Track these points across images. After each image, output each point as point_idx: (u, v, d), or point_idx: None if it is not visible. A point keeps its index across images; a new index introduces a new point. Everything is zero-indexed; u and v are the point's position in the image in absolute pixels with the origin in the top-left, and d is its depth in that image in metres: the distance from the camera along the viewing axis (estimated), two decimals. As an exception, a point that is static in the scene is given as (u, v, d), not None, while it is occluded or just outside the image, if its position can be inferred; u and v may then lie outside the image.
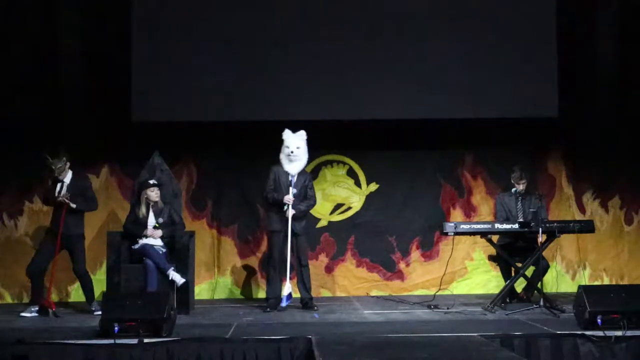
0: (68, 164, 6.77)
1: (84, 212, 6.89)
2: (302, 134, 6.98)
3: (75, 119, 7.80)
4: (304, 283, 7.01)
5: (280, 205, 6.90)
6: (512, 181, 7.04)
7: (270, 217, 7.03)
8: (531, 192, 7.09)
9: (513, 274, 6.90)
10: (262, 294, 7.89)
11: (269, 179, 6.99)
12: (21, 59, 7.84)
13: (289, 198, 6.85)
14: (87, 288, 6.90)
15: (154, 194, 6.93)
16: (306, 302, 6.99)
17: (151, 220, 6.89)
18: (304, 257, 7.04)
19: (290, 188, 6.88)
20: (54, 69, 7.87)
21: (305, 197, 7.04)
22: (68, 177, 6.80)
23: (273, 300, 6.91)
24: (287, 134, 6.98)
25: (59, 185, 6.79)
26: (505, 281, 6.96)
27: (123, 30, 7.82)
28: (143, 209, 6.91)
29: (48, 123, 7.74)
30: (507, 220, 6.88)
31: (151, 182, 6.98)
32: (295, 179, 6.96)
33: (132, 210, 7.04)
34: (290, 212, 6.83)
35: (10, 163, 7.83)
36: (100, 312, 6.71)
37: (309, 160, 8.12)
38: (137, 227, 6.86)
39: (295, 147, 6.93)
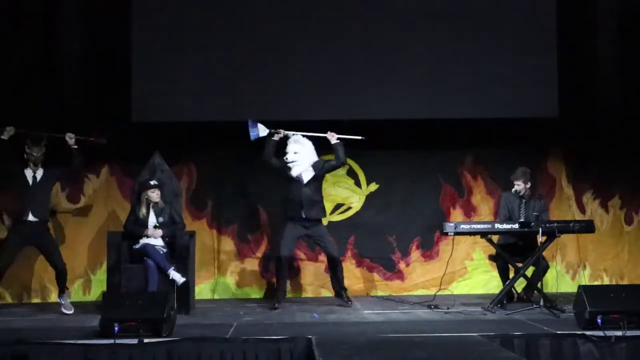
0: (43, 156, 6.81)
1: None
2: (298, 139, 7.03)
3: (76, 119, 7.80)
4: (337, 280, 7.05)
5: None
6: (512, 179, 7.05)
7: (287, 203, 7.05)
8: (536, 196, 7.04)
9: (512, 275, 6.91)
10: (262, 294, 7.90)
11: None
12: (21, 59, 7.83)
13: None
14: (61, 280, 6.92)
15: (154, 194, 6.93)
16: (340, 293, 7.06)
17: (152, 220, 6.89)
18: (331, 247, 7.08)
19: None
20: (54, 69, 7.86)
21: (330, 169, 7.17)
22: (39, 172, 6.83)
23: (282, 293, 6.99)
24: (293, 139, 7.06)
25: (29, 175, 6.82)
26: (503, 281, 6.97)
27: (123, 30, 7.80)
28: (143, 209, 6.91)
29: (48, 123, 7.72)
30: (508, 219, 6.88)
31: (151, 182, 6.98)
32: (305, 180, 6.99)
33: (132, 210, 7.04)
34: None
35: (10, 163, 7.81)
36: (69, 312, 6.75)
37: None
38: (137, 227, 6.86)
39: (292, 153, 6.97)
